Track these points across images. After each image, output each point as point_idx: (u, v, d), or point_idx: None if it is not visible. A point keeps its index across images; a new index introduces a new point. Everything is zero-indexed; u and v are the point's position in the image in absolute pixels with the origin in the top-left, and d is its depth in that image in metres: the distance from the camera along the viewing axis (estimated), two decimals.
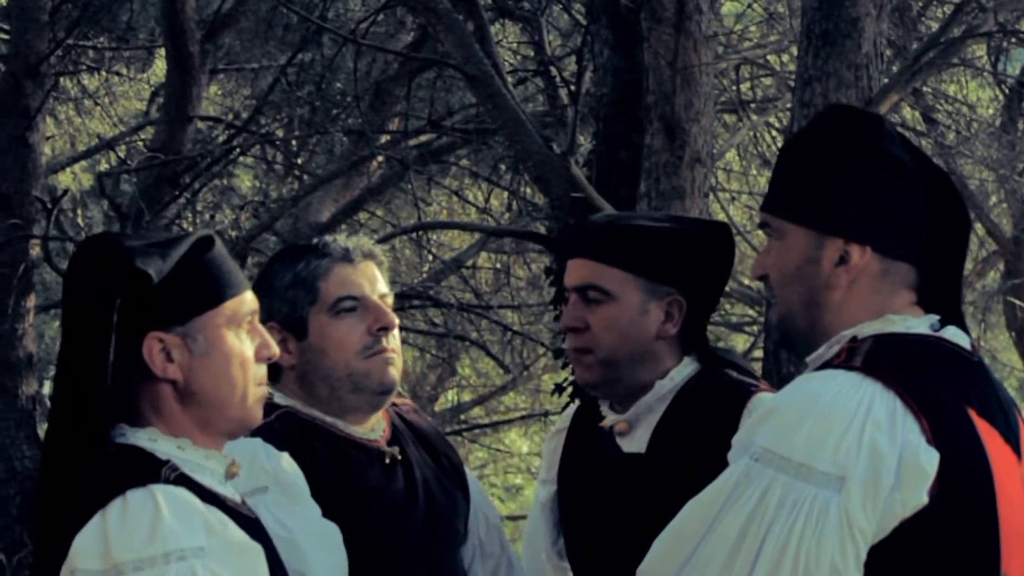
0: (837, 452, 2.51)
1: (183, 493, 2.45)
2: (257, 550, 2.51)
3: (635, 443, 3.29)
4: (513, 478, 20.67)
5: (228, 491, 2.58)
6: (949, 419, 2.56)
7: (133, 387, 2.52)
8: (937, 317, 2.71)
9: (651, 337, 3.26)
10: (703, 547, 2.57)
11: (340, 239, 3.28)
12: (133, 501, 2.41)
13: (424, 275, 14.26)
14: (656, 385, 3.27)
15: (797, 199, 2.72)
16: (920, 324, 2.68)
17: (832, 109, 2.82)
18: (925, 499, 2.51)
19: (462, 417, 18.19)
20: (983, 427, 2.60)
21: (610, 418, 3.34)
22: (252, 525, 2.56)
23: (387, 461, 3.26)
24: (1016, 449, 2.66)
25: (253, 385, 2.58)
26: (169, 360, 2.52)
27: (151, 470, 2.46)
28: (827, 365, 2.65)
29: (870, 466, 2.50)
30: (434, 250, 14.39)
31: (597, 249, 3.27)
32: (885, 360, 2.59)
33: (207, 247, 2.57)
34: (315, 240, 3.30)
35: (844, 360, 2.61)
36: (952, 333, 2.70)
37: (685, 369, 3.30)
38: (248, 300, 2.60)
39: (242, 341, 2.58)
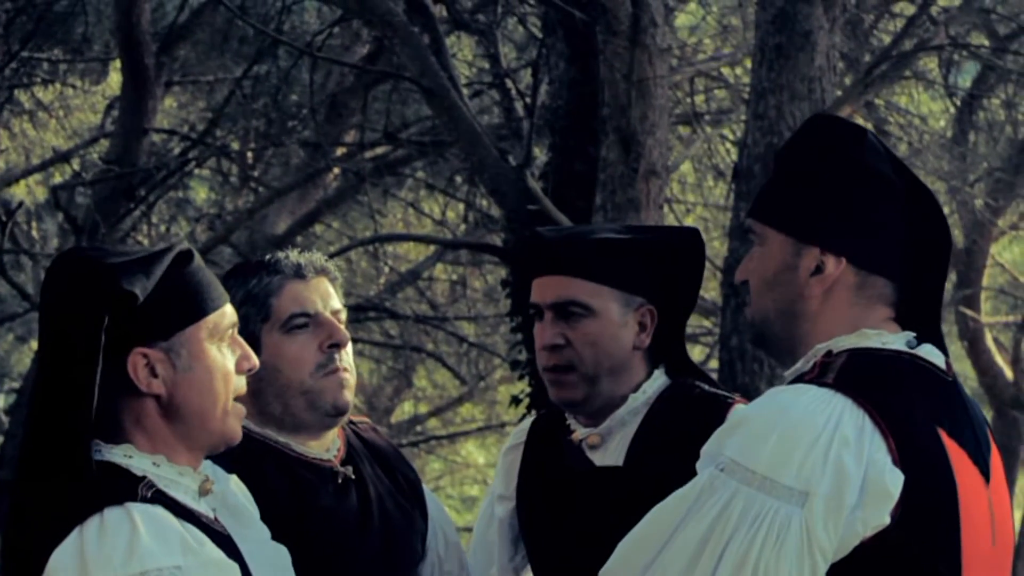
0: (802, 467, 2.49)
1: (160, 511, 2.45)
2: (233, 568, 2.51)
3: (609, 456, 3.26)
4: (469, 489, 20.68)
5: (202, 508, 2.58)
6: (918, 439, 2.54)
7: (115, 403, 2.51)
8: (913, 334, 2.69)
9: (629, 349, 3.25)
10: (664, 554, 2.57)
11: (292, 255, 3.24)
12: (110, 519, 2.40)
13: (380, 287, 14.27)
14: (629, 399, 3.26)
15: (778, 206, 2.71)
16: (896, 340, 2.66)
17: (817, 119, 2.81)
18: (887, 520, 2.50)
19: (418, 429, 18.19)
20: (952, 448, 2.58)
21: (580, 431, 3.30)
22: (226, 542, 2.56)
23: (340, 481, 3.23)
24: (984, 471, 2.65)
25: (233, 398, 2.60)
26: (153, 375, 2.51)
27: (127, 487, 2.45)
28: (801, 379, 2.64)
29: (834, 483, 2.49)
30: (390, 262, 14.40)
31: (573, 264, 3.25)
32: (857, 376, 2.58)
33: (187, 261, 2.57)
34: (267, 256, 3.26)
35: (817, 375, 2.61)
36: (927, 351, 2.67)
37: (656, 382, 3.29)
38: (228, 313, 2.61)
39: (224, 354, 2.58)
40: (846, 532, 2.50)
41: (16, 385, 15.49)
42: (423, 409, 18.91)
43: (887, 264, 2.68)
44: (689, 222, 12.60)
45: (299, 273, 3.22)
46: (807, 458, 2.50)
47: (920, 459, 2.53)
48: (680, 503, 2.59)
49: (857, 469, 2.50)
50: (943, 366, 2.69)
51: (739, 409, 3.20)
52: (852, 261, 2.66)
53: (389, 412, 18.10)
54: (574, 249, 3.28)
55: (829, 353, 2.64)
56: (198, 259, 2.60)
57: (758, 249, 2.72)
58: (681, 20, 12.27)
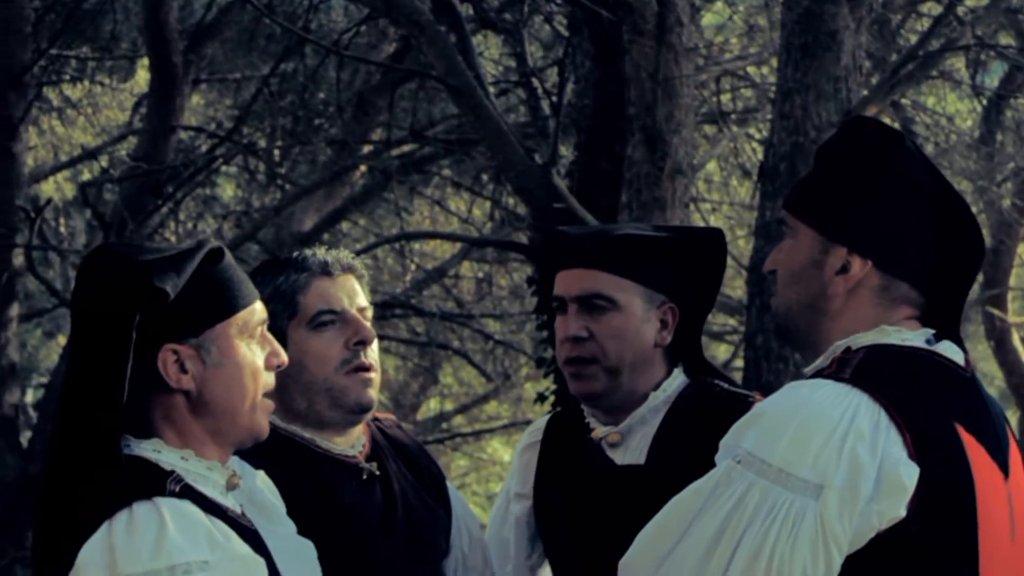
0: (817, 460, 2.52)
1: (187, 506, 2.48)
2: (260, 563, 2.54)
3: (629, 454, 3.28)
4: (495, 486, 20.66)
5: (230, 502, 2.61)
6: (934, 434, 2.57)
7: (145, 398, 2.55)
8: (932, 332, 2.72)
9: (651, 345, 3.27)
10: (681, 545, 2.59)
11: (320, 253, 3.26)
12: (139, 514, 2.44)
13: (406, 284, 14.29)
14: (650, 397, 3.28)
15: (812, 201, 2.74)
16: (915, 337, 2.69)
17: (858, 120, 2.83)
18: (903, 512, 2.52)
19: (444, 426, 18.21)
20: (969, 443, 2.60)
21: (601, 429, 3.32)
22: (253, 536, 2.59)
23: (364, 477, 3.24)
24: (1003, 466, 2.67)
25: (262, 394, 2.62)
26: (183, 371, 2.54)
27: (156, 482, 2.48)
28: (820, 374, 2.66)
29: (849, 476, 2.51)
30: (416, 259, 14.43)
31: (599, 258, 3.27)
32: (875, 371, 2.60)
33: (218, 259, 2.60)
34: (295, 253, 3.29)
35: (835, 370, 2.63)
36: (946, 348, 2.70)
37: (676, 380, 3.31)
38: (258, 310, 2.64)
39: (253, 351, 2.61)
40: (861, 524, 2.52)
41: (45, 380, 15.56)
42: (449, 406, 18.94)
43: (913, 270, 2.70)
44: (715, 221, 12.60)
45: (326, 270, 3.23)
46: (822, 451, 2.53)
47: (936, 453, 2.55)
48: (697, 495, 2.62)
49: (872, 462, 2.52)
50: (962, 362, 2.70)
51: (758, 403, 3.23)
52: (877, 264, 2.69)
53: (415, 409, 18.13)
54: (600, 243, 3.30)
55: (848, 350, 2.66)
56: (228, 257, 2.63)
57: (789, 241, 2.76)
58: (707, 19, 12.27)
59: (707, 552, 2.56)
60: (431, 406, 19.13)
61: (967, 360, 2.73)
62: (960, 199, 2.75)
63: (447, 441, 17.53)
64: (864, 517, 2.51)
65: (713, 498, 2.58)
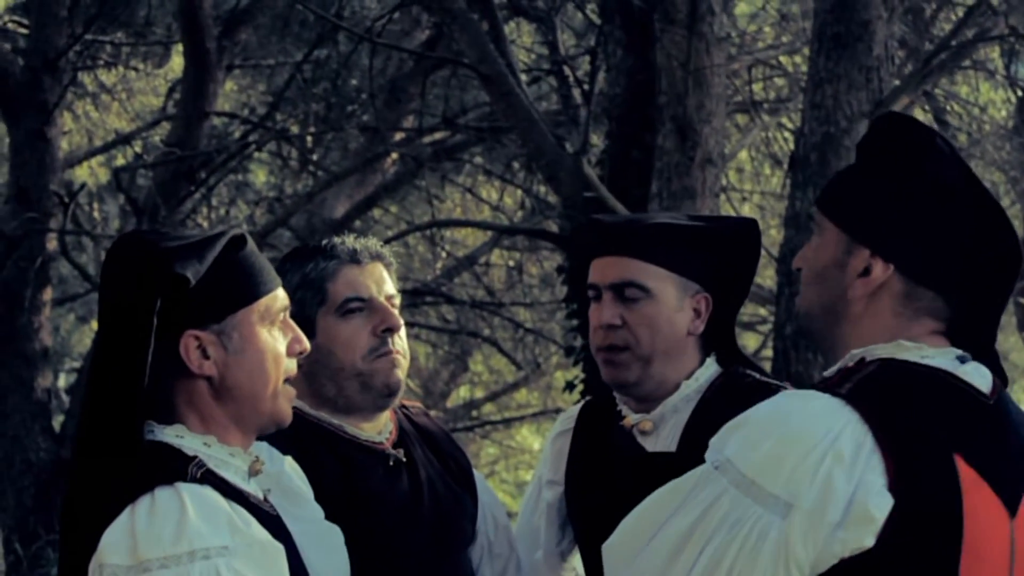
0: (791, 477, 2.43)
1: (208, 492, 2.50)
2: (279, 549, 2.55)
3: (661, 442, 3.30)
4: (524, 475, 20.68)
5: (252, 488, 2.63)
6: (922, 464, 2.45)
7: (168, 384, 2.57)
8: (963, 352, 2.59)
9: (684, 334, 3.30)
10: (653, 541, 2.55)
11: (348, 240, 3.29)
12: (161, 499, 2.46)
13: (437, 272, 14.32)
14: (683, 385, 3.30)
15: (839, 199, 2.66)
16: (937, 356, 2.57)
17: (888, 116, 2.71)
18: (870, 542, 2.41)
19: (474, 414, 18.24)
20: (968, 477, 2.48)
21: (632, 417, 3.34)
22: (274, 522, 2.60)
23: (391, 463, 3.27)
24: (1010, 503, 2.53)
25: (284, 380, 2.64)
26: (205, 357, 2.56)
27: (178, 467, 2.51)
28: (824, 382, 2.59)
29: (819, 498, 2.42)
30: (447, 247, 14.44)
31: (634, 246, 3.29)
32: (874, 390, 2.50)
33: (240, 246, 2.62)
34: (324, 241, 3.31)
35: (835, 383, 2.53)
36: (971, 371, 2.57)
37: (708, 370, 3.33)
38: (280, 296, 2.65)
39: (275, 337, 2.63)
40: (824, 549, 2.43)
41: (77, 365, 15.66)
42: (479, 394, 18.96)
43: (939, 277, 2.58)
44: (746, 211, 12.58)
45: (354, 258, 3.26)
46: (797, 469, 2.43)
47: (920, 485, 2.44)
48: (676, 492, 2.56)
49: (846, 487, 2.42)
50: (987, 388, 2.58)
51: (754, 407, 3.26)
52: (900, 269, 2.58)
53: (445, 396, 18.16)
54: (635, 231, 3.32)
55: (861, 361, 2.57)
56: (251, 243, 2.64)
57: (816, 239, 2.69)
58: (740, 8, 12.24)
59: (674, 553, 2.50)
60: (461, 394, 19.15)
61: (995, 386, 2.60)
62: (995, 204, 2.62)
63: (477, 429, 17.56)
64: (828, 543, 2.42)
65: (688, 499, 2.52)
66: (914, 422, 2.48)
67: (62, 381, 16.26)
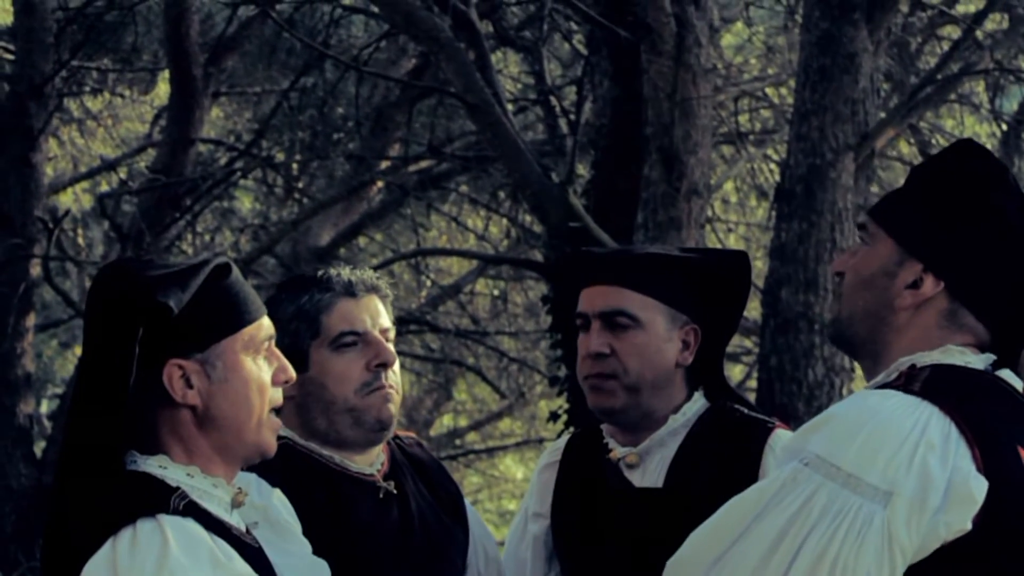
0: (888, 467, 2.53)
1: (191, 525, 2.49)
2: None
3: (647, 476, 3.30)
4: (507, 503, 20.64)
5: (234, 520, 2.61)
6: (1000, 451, 2.58)
7: (151, 413, 2.56)
8: (994, 357, 2.72)
9: (672, 365, 3.30)
10: (738, 545, 2.59)
11: (344, 272, 3.26)
12: (143, 532, 2.45)
13: (421, 300, 14.30)
14: (669, 419, 3.29)
15: (897, 212, 2.75)
16: (978, 362, 2.70)
17: (965, 145, 2.81)
18: (969, 525, 2.53)
19: (457, 442, 18.21)
20: None
21: (619, 450, 3.33)
22: (256, 556, 2.59)
23: (381, 495, 3.25)
24: None
25: (269, 410, 2.62)
26: (189, 386, 2.55)
27: (160, 498, 2.49)
28: (885, 387, 2.67)
29: (919, 485, 2.52)
30: (432, 276, 14.44)
31: (624, 275, 3.30)
32: (943, 387, 2.61)
33: (225, 274, 2.60)
34: (320, 272, 3.28)
35: (903, 383, 2.63)
36: (1007, 374, 2.71)
37: (696, 404, 3.33)
38: (265, 325, 2.64)
39: (259, 366, 2.61)
40: (927, 534, 2.53)
41: (60, 391, 15.60)
42: (462, 423, 18.93)
43: (983, 302, 2.71)
44: (730, 241, 12.60)
45: (350, 291, 3.23)
46: (893, 459, 2.54)
47: (1003, 471, 2.57)
48: (759, 495, 2.61)
49: (942, 473, 2.53)
50: (1022, 391, 2.72)
51: (782, 434, 3.27)
52: (949, 288, 2.70)
53: (428, 425, 18.12)
54: (625, 261, 3.33)
55: (913, 366, 2.67)
56: (236, 272, 2.63)
57: (864, 247, 2.77)
58: (726, 40, 12.28)
59: (767, 553, 2.55)
60: (444, 422, 19.12)
61: None
62: None
63: (460, 458, 17.52)
64: (931, 527, 2.52)
65: (777, 499, 2.58)
66: (984, 415, 2.61)
67: (44, 407, 16.19)
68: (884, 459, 2.54)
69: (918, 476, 2.52)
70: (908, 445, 2.53)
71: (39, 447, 11.44)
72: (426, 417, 18.11)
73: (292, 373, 2.66)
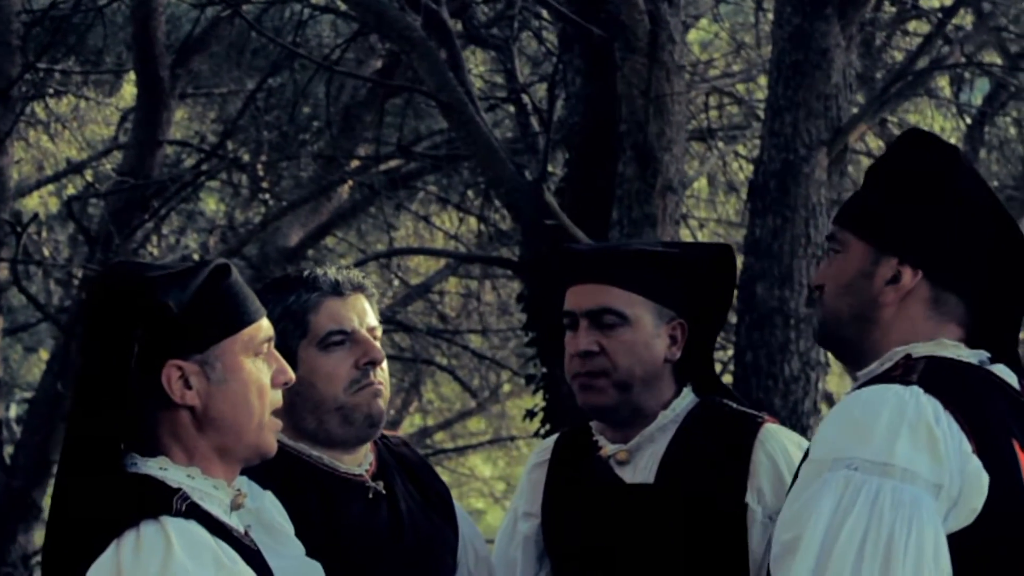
0: (932, 461, 2.57)
1: (194, 527, 2.48)
2: None
3: (638, 473, 3.30)
4: (475, 502, 20.66)
5: (233, 522, 2.61)
6: (996, 445, 2.62)
7: (152, 415, 2.55)
8: (987, 354, 2.75)
9: (660, 361, 3.30)
10: (827, 565, 2.56)
11: (331, 271, 3.28)
12: (146, 534, 2.44)
13: (391, 299, 14.28)
14: (659, 415, 3.30)
15: (862, 215, 2.79)
16: (971, 356, 2.73)
17: (911, 134, 2.87)
18: (971, 519, 2.58)
19: (427, 441, 18.20)
20: None
21: (609, 448, 3.34)
22: (256, 558, 2.59)
23: (371, 495, 3.25)
24: None
25: (269, 411, 2.62)
26: (188, 387, 2.55)
27: (163, 500, 2.49)
28: (880, 379, 2.69)
29: (955, 477, 2.58)
30: (401, 275, 14.41)
31: (610, 273, 3.30)
32: (943, 381, 2.64)
33: (224, 275, 2.61)
34: (306, 272, 3.29)
35: (901, 375, 2.67)
36: (1001, 370, 2.74)
37: (685, 399, 3.33)
38: (265, 327, 2.64)
39: (259, 367, 2.61)
40: (950, 525, 2.57)
41: (28, 395, 15.51)
42: (431, 422, 18.92)
43: (963, 283, 2.74)
44: (702, 238, 12.61)
45: (337, 290, 3.25)
46: (934, 452, 2.57)
47: (999, 464, 2.60)
48: (818, 519, 2.59)
49: (967, 466, 2.58)
50: (1016, 386, 2.74)
51: (771, 428, 3.29)
52: (928, 276, 2.73)
53: (396, 424, 18.11)
54: (611, 258, 3.33)
55: (908, 357, 2.70)
56: (235, 273, 2.63)
57: (838, 256, 2.80)
58: (692, 35, 12.29)
59: (855, 563, 2.55)
60: (414, 421, 19.11)
61: (1022, 385, 2.76)
62: (1011, 219, 2.77)
63: (430, 457, 17.51)
64: (953, 518, 2.58)
65: (842, 510, 2.58)
66: (981, 408, 2.64)
67: (12, 411, 16.10)
68: (927, 453, 2.57)
69: (953, 468, 2.57)
70: (939, 438, 2.58)
71: (7, 452, 11.38)
72: (394, 416, 18.10)
73: (291, 375, 2.66)
